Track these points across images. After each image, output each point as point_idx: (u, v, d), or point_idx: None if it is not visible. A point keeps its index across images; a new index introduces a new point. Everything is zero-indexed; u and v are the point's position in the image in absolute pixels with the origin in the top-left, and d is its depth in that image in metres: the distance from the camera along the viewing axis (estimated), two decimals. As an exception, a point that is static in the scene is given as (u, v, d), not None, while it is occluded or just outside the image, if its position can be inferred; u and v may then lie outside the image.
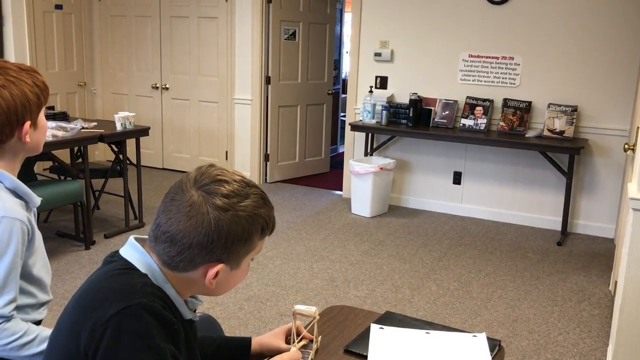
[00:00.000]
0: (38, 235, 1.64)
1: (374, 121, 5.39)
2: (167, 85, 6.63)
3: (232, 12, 6.10)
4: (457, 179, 5.42)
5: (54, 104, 6.26)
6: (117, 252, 1.25)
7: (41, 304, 1.67)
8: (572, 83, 4.89)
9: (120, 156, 4.62)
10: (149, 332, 1.08)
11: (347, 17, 7.72)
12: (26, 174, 3.86)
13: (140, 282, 1.15)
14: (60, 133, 4.04)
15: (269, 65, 6.12)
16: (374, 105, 5.39)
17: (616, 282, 3.12)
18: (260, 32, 5.98)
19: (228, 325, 3.22)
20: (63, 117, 4.63)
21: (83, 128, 4.37)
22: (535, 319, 3.44)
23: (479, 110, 5.11)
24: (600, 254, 4.54)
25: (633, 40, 4.64)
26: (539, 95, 4.99)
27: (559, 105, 4.86)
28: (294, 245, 4.50)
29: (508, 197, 5.24)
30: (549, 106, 4.88)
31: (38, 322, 1.66)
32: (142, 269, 1.20)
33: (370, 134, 5.55)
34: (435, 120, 5.27)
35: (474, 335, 1.60)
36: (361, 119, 5.50)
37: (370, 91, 5.49)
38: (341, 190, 5.99)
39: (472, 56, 5.18)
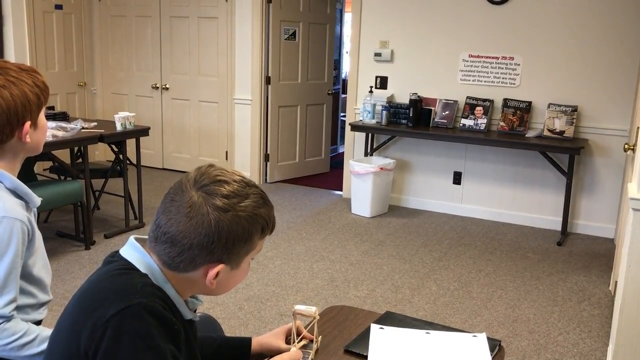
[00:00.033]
0: (38, 236, 1.64)
1: (374, 121, 5.39)
2: (167, 85, 6.63)
3: (232, 12, 6.10)
4: (457, 179, 5.42)
5: (54, 104, 6.26)
6: (117, 252, 1.25)
7: (41, 304, 1.67)
8: (572, 83, 4.89)
9: (120, 156, 4.62)
10: (150, 332, 1.08)
11: (347, 17, 7.72)
12: (26, 174, 3.86)
13: (140, 282, 1.15)
14: (60, 133, 4.04)
15: (269, 65, 6.12)
16: (374, 105, 5.39)
17: (616, 282, 3.12)
18: (260, 32, 5.98)
19: (228, 326, 3.22)
20: (63, 117, 4.63)
21: (83, 128, 4.37)
22: (535, 319, 3.44)
23: (479, 110, 5.11)
24: (601, 254, 4.54)
25: (633, 40, 4.64)
26: (539, 95, 4.99)
27: (559, 105, 4.86)
28: (294, 245, 4.50)
29: (508, 197, 5.24)
30: (549, 106, 4.88)
31: (38, 322, 1.66)
32: (143, 269, 1.20)
33: (370, 134, 5.55)
34: (435, 120, 5.27)
35: (474, 336, 1.60)
36: (361, 119, 5.50)
37: (370, 91, 5.49)
38: (341, 190, 5.99)
39: (472, 56, 5.18)
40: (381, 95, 5.44)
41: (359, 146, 5.71)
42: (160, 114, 6.75)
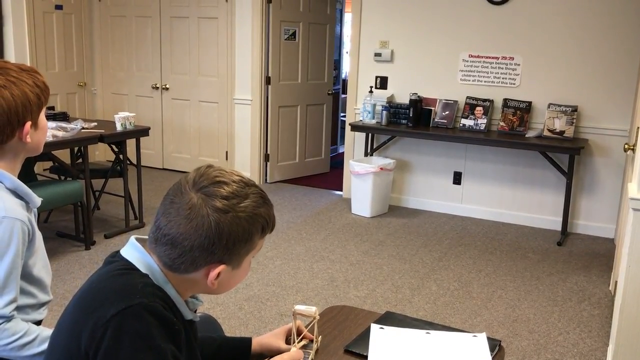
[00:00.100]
0: (38, 236, 1.64)
1: (374, 121, 5.39)
2: (167, 86, 6.63)
3: (232, 13, 6.10)
4: (457, 179, 5.42)
5: (54, 104, 6.26)
6: (118, 252, 1.25)
7: (41, 304, 1.67)
8: (572, 83, 4.89)
9: (121, 156, 4.62)
10: (150, 333, 1.08)
11: (347, 17, 7.72)
12: (26, 174, 3.86)
13: (141, 282, 1.15)
14: (60, 133, 4.04)
15: (269, 65, 6.12)
16: (374, 106, 5.39)
17: (616, 282, 3.12)
18: (260, 32, 5.98)
19: (228, 326, 3.22)
20: (63, 117, 4.63)
21: (83, 128, 4.37)
22: (535, 319, 3.44)
23: (479, 110, 5.11)
24: (601, 254, 4.54)
25: (633, 40, 4.64)
26: (539, 95, 4.99)
27: (559, 106, 4.86)
28: (294, 246, 4.50)
29: (508, 197, 5.24)
30: (549, 106, 4.89)
31: (38, 323, 1.66)
32: (143, 269, 1.20)
33: (370, 134, 5.55)
34: (435, 120, 5.27)
35: (474, 335, 1.60)
36: (361, 119, 5.50)
37: (370, 91, 5.50)
38: (341, 190, 5.99)
39: (472, 56, 5.18)
40: (381, 95, 5.44)
41: (359, 146, 5.72)
42: (160, 114, 6.75)
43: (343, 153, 6.88)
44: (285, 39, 6.18)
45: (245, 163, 6.34)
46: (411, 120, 5.23)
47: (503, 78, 5.10)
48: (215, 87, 6.38)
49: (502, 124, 5.04)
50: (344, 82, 8.07)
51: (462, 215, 5.40)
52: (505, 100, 5.04)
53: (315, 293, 3.68)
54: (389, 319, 1.69)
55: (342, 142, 8.05)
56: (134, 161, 4.78)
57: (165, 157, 6.84)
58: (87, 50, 6.81)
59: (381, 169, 5.20)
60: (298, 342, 1.49)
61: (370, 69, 5.59)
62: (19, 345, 1.51)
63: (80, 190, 4.17)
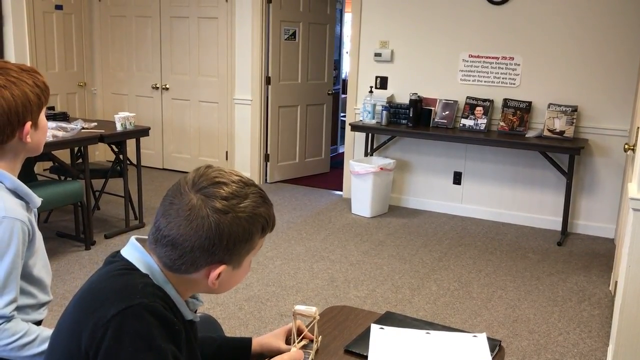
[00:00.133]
0: (38, 236, 1.64)
1: (374, 121, 5.39)
2: (167, 86, 6.63)
3: (232, 13, 6.10)
4: (457, 179, 5.42)
5: (54, 105, 6.26)
6: (118, 252, 1.25)
7: (41, 305, 1.67)
8: (572, 83, 4.89)
9: (121, 156, 4.62)
10: (150, 333, 1.08)
11: (347, 17, 7.72)
12: (26, 175, 3.86)
13: (141, 282, 1.15)
14: (60, 133, 4.04)
15: (269, 65, 6.12)
16: (374, 106, 5.39)
17: (616, 282, 3.12)
18: (260, 32, 5.98)
19: (228, 326, 3.22)
20: (63, 117, 4.63)
21: (83, 128, 4.37)
22: (535, 319, 3.44)
23: (479, 110, 5.11)
24: (601, 254, 4.54)
25: (633, 40, 4.64)
26: (539, 95, 4.99)
27: (559, 106, 4.86)
28: (294, 246, 4.50)
29: (508, 197, 5.24)
30: (549, 106, 4.89)
31: (38, 323, 1.66)
32: (143, 270, 1.20)
33: (370, 134, 5.55)
34: (435, 120, 5.27)
35: (474, 336, 1.60)
36: (361, 119, 5.50)
37: (371, 91, 5.50)
38: (341, 190, 5.99)
39: (472, 56, 5.18)
40: (381, 96, 5.44)
41: (359, 146, 5.72)
42: (161, 114, 6.75)
43: (343, 153, 6.88)
44: (285, 39, 6.18)
45: (245, 163, 6.34)
46: (411, 120, 5.23)
47: (503, 78, 5.10)
48: (215, 87, 6.38)
49: (502, 124, 5.04)
50: (344, 82, 8.07)
51: (462, 215, 5.40)
52: (505, 100, 5.04)
53: (315, 293, 3.68)
54: (389, 319, 1.69)
55: (342, 142, 8.06)
56: (134, 161, 4.78)
57: (165, 157, 6.84)
58: (87, 50, 6.81)
59: (381, 169, 5.20)
60: (298, 342, 1.49)
61: (370, 69, 5.59)
62: (19, 345, 1.51)
63: (80, 190, 4.17)
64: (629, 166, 4.01)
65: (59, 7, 6.34)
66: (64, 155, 4.69)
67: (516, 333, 3.26)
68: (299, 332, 1.53)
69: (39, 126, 1.60)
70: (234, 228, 1.15)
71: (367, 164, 5.26)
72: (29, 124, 1.55)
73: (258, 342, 1.51)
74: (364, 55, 5.59)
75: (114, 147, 4.69)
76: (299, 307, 1.50)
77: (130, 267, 1.20)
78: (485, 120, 5.08)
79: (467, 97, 5.18)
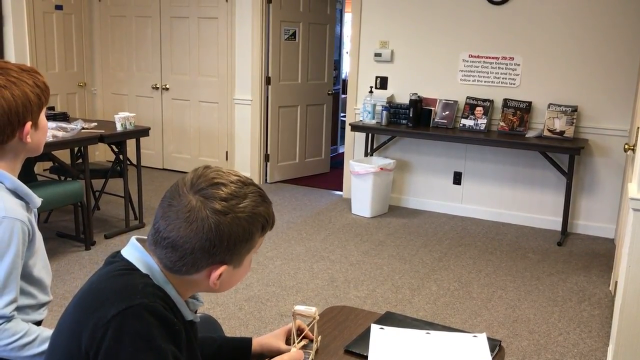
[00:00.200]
0: (38, 236, 1.64)
1: (374, 121, 5.39)
2: (167, 86, 6.63)
3: (232, 13, 6.10)
4: (457, 179, 5.42)
5: (54, 105, 6.26)
6: (118, 252, 1.25)
7: (41, 305, 1.67)
8: (572, 83, 4.89)
9: (121, 156, 4.62)
10: (151, 333, 1.08)
11: (347, 17, 7.72)
12: (26, 175, 3.85)
13: (141, 282, 1.15)
14: (60, 133, 4.04)
15: (269, 65, 6.12)
16: (374, 106, 5.39)
17: (616, 282, 3.12)
18: (260, 32, 5.98)
19: (228, 326, 3.22)
20: (63, 117, 4.63)
21: (83, 128, 4.37)
22: (535, 319, 3.44)
23: (479, 110, 5.11)
24: (601, 254, 4.54)
25: (633, 40, 4.64)
26: (539, 95, 4.99)
27: (559, 106, 4.86)
28: (294, 246, 4.50)
29: (508, 197, 5.24)
30: (549, 106, 4.89)
31: (38, 323, 1.66)
32: (144, 270, 1.20)
33: (370, 134, 5.55)
34: (435, 120, 5.27)
35: (475, 336, 1.60)
36: (361, 119, 5.50)
37: (371, 91, 5.50)
38: (341, 190, 5.99)
39: (472, 56, 5.18)
40: (381, 96, 5.44)
41: (359, 146, 5.72)
42: (161, 114, 6.75)
43: (343, 153, 6.88)
44: (285, 39, 6.18)
45: (245, 163, 6.34)
46: (411, 121, 5.23)
47: (503, 78, 5.10)
48: (215, 87, 6.38)
49: (502, 124, 5.04)
50: (344, 82, 8.07)
51: (462, 216, 5.40)
52: (505, 100, 5.04)
53: (315, 293, 3.68)
54: (389, 319, 1.69)
55: (342, 142, 8.05)
56: (134, 161, 4.78)
57: (165, 157, 6.84)
58: (87, 50, 6.81)
59: (381, 169, 5.20)
60: (298, 343, 1.49)
61: (370, 69, 5.59)
62: (19, 345, 1.51)
63: (80, 190, 4.17)
64: (629, 166, 4.01)
65: (59, 7, 6.34)
66: (64, 155, 4.69)
67: (516, 333, 3.26)
68: (299, 332, 1.53)
69: (39, 126, 1.60)
70: (234, 228, 1.15)
71: (367, 164, 5.26)
72: (29, 124, 1.55)
73: (258, 342, 1.51)
74: (364, 55, 5.59)
75: (114, 147, 4.69)
76: (299, 307, 1.50)
77: (130, 268, 1.20)
78: (485, 121, 5.08)
79: (467, 97, 5.18)
